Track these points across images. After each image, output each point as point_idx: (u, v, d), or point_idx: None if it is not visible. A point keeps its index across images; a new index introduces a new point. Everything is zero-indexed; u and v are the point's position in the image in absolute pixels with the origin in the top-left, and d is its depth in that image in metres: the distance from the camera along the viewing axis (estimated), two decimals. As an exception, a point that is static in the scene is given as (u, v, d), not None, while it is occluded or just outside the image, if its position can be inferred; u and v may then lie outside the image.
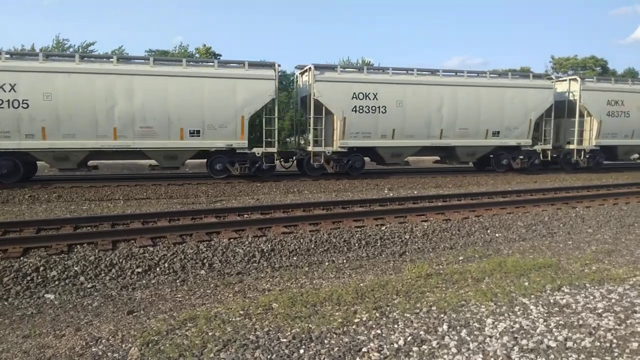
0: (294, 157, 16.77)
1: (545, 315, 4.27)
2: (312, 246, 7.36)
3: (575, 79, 19.07)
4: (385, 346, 3.63)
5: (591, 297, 4.74)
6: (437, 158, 19.27)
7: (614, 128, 19.17)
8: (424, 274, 5.70)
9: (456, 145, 17.23)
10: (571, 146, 19.13)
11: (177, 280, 6.01)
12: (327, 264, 6.78)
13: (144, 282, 5.95)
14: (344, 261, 6.91)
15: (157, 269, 6.28)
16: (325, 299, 4.76)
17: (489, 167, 18.93)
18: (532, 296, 4.77)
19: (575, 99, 18.73)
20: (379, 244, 7.70)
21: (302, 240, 7.47)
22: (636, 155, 23.11)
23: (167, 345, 3.69)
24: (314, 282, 5.84)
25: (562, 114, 19.07)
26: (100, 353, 3.64)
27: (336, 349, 3.60)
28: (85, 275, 5.95)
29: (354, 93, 15.67)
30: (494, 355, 3.50)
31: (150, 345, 3.71)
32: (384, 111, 15.96)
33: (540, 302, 4.59)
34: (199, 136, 14.38)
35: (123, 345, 3.76)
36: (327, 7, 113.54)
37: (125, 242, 7.04)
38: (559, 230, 8.91)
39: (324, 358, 3.47)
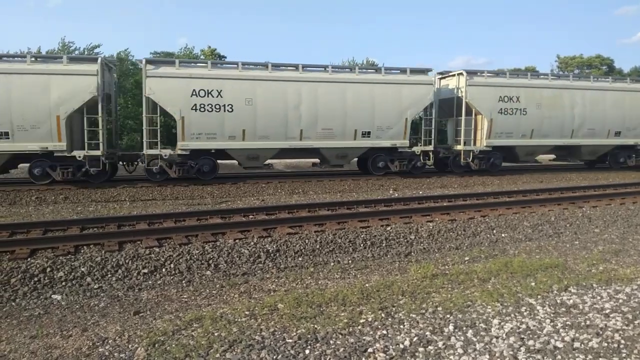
0: (138, 160, 15.29)
1: (552, 315, 4.25)
2: (318, 247, 7.36)
3: (461, 74, 17.22)
4: (391, 347, 3.63)
5: (598, 298, 4.71)
6: (316, 161, 18.06)
7: (509, 127, 17.31)
8: (429, 274, 5.68)
9: (320, 147, 15.59)
10: (458, 147, 17.41)
11: (183, 281, 6.03)
12: (332, 264, 6.78)
13: (150, 282, 5.97)
14: (350, 262, 6.91)
15: (163, 270, 6.30)
16: (331, 300, 4.76)
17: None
18: (539, 296, 4.75)
19: (462, 95, 17.12)
20: (384, 245, 7.69)
21: (307, 240, 7.48)
22: (551, 157, 21.57)
23: (173, 345, 3.70)
24: (320, 282, 5.84)
25: (457, 112, 17.44)
26: (107, 353, 3.66)
27: (342, 349, 3.59)
28: (92, 276, 5.98)
29: (194, 90, 14.18)
30: (501, 356, 3.49)
31: (156, 345, 3.72)
32: (230, 110, 14.42)
33: (547, 303, 4.57)
34: (8, 138, 13.11)
35: (129, 346, 3.78)
36: (331, 8, 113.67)
37: (131, 243, 7.07)
38: (566, 230, 8.87)
39: (330, 358, 3.47)
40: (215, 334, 3.90)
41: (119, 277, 6.05)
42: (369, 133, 15.95)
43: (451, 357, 3.48)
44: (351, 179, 15.87)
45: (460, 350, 3.56)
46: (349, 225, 8.48)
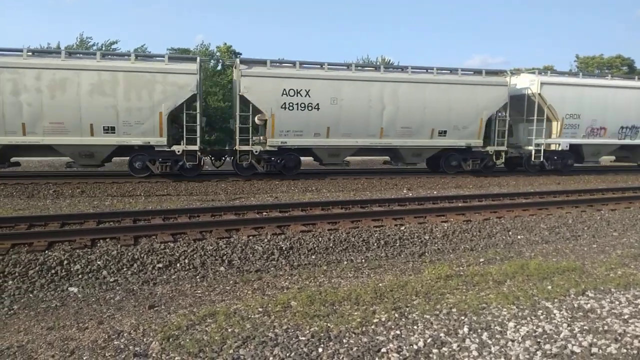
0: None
1: (569, 319, 4.18)
2: (331, 245, 7.35)
3: None
4: (404, 347, 3.60)
5: (617, 302, 4.63)
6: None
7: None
8: (443, 275, 5.63)
9: None
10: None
11: (197, 276, 6.07)
12: (345, 263, 6.76)
13: (164, 277, 6.02)
14: (363, 261, 6.88)
15: (178, 265, 6.35)
16: (344, 298, 4.75)
17: None
18: (556, 300, 4.68)
19: None
20: (398, 244, 7.64)
21: (320, 239, 7.47)
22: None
23: (188, 340, 3.72)
24: (333, 281, 5.83)
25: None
26: (122, 346, 3.70)
27: (355, 348, 3.58)
28: (108, 270, 6.05)
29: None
30: (517, 359, 3.44)
31: (170, 339, 3.75)
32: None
33: (564, 307, 4.49)
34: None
35: (144, 339, 3.82)
36: (347, 5, 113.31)
37: (146, 238, 7.13)
38: (584, 233, 8.72)
39: (343, 357, 3.46)
40: (229, 330, 3.91)
41: (134, 271, 6.11)
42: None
43: (466, 359, 3.44)
44: (365, 178, 15.82)
45: (475, 353, 3.52)
46: (362, 224, 8.45)
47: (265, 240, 7.23)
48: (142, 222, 8.30)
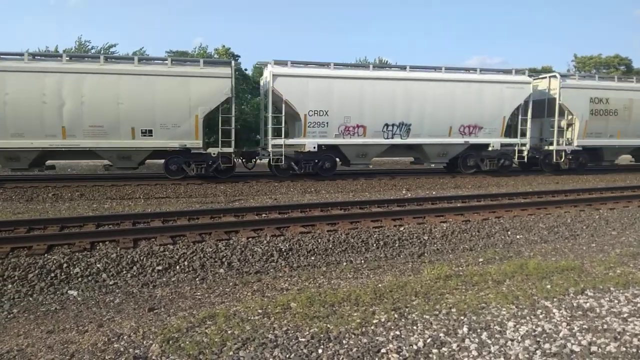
0: None
1: (568, 319, 4.19)
2: (330, 246, 7.36)
3: None
4: (404, 347, 3.60)
5: (616, 301, 4.63)
6: None
7: None
8: (443, 275, 5.64)
9: None
10: None
11: (197, 279, 6.07)
12: (345, 264, 6.77)
13: (164, 279, 6.03)
14: (362, 261, 6.89)
15: (177, 267, 6.35)
16: (344, 299, 4.75)
17: None
18: (555, 299, 4.68)
19: None
20: (397, 245, 7.65)
21: (320, 240, 7.48)
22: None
23: (187, 342, 3.72)
24: (332, 282, 5.83)
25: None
26: (122, 349, 3.69)
27: (355, 349, 3.58)
28: (108, 273, 6.05)
29: None
30: (516, 359, 3.44)
31: (170, 342, 3.75)
32: None
33: (563, 306, 4.50)
34: None
35: (144, 342, 3.81)
36: (343, 6, 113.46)
37: (146, 240, 7.14)
38: (582, 233, 8.74)
39: (343, 358, 3.46)
40: (229, 332, 3.91)
41: (134, 273, 6.11)
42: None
43: (465, 359, 3.44)
44: (364, 179, 15.83)
45: (474, 353, 3.52)
46: (361, 225, 8.46)
47: (265, 241, 7.24)
48: (141, 224, 8.30)
